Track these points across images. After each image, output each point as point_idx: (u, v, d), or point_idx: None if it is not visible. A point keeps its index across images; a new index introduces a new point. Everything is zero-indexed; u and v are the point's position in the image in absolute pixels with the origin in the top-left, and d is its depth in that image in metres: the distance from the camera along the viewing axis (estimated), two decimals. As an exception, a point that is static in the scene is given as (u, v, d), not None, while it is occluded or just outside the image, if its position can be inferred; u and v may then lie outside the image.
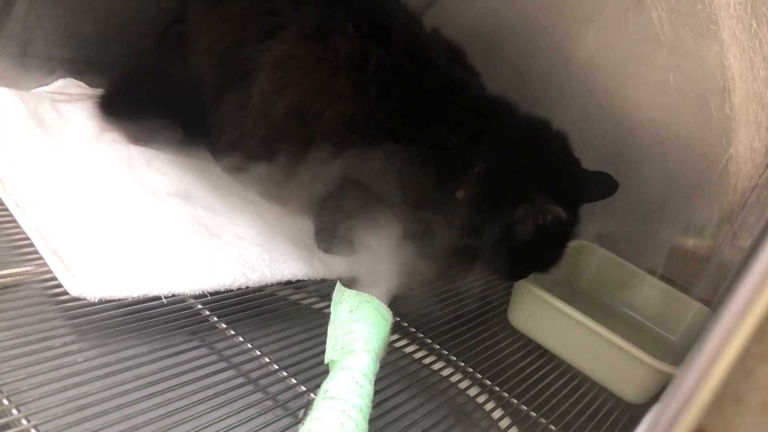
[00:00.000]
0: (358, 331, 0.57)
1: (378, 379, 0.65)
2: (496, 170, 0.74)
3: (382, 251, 0.80)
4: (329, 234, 0.82)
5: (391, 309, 0.70)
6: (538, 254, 0.77)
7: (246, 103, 0.78)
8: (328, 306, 0.75)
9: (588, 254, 0.99)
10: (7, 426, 0.47)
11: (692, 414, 0.18)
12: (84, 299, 0.60)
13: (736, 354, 0.18)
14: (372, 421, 0.60)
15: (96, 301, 0.60)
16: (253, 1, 0.81)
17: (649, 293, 0.96)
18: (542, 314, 0.83)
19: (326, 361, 0.57)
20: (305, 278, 0.77)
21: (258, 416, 0.57)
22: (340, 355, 0.55)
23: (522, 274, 0.80)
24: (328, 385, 0.53)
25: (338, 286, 0.63)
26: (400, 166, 0.75)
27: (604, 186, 0.77)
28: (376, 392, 0.63)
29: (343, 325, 0.58)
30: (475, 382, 0.73)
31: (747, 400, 0.21)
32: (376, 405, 0.62)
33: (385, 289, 0.71)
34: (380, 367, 0.67)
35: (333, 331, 0.58)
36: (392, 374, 0.69)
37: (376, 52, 0.73)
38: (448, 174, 0.74)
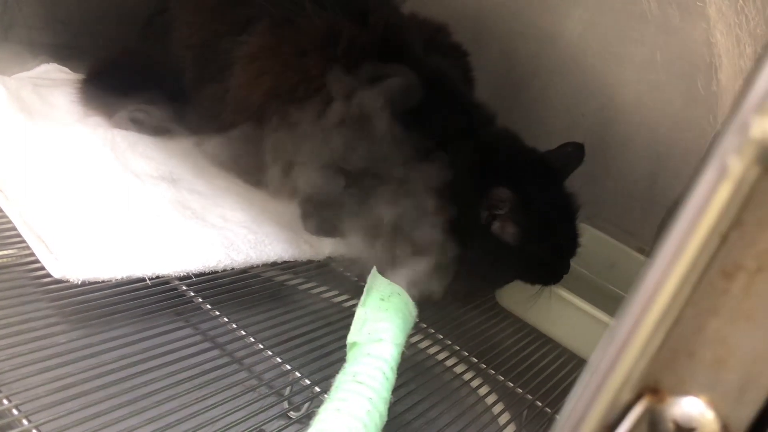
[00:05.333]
0: (389, 321, 0.56)
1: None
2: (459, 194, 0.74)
3: (368, 232, 0.80)
4: (315, 215, 0.82)
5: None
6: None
7: (223, 96, 0.79)
8: (314, 287, 0.76)
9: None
10: (-11, 406, 0.48)
11: (628, 362, 0.18)
12: (67, 281, 0.60)
13: (667, 302, 0.18)
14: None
15: (79, 283, 0.60)
16: None
17: (637, 272, 0.96)
18: (530, 294, 0.83)
19: (349, 341, 0.56)
20: (291, 259, 0.77)
21: (243, 395, 0.57)
22: (366, 340, 0.55)
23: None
24: (356, 368, 0.52)
25: (374, 271, 0.62)
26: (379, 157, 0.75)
27: (573, 154, 0.81)
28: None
29: (376, 312, 0.57)
30: (461, 359, 0.74)
31: (699, 354, 0.21)
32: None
33: (412, 285, 0.70)
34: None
35: (363, 314, 0.57)
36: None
37: (347, 32, 0.73)
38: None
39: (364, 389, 0.50)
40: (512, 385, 0.72)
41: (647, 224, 1.01)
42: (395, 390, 0.64)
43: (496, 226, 0.74)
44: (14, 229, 0.65)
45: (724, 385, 0.21)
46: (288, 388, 0.61)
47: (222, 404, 0.55)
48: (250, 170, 0.80)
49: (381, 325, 0.56)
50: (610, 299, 0.95)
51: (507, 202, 0.71)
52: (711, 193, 0.16)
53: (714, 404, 0.21)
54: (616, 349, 0.18)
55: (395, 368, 0.54)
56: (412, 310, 0.61)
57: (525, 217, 0.73)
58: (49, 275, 0.60)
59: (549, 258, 0.78)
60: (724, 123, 0.16)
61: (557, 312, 0.81)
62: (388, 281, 0.61)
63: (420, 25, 0.88)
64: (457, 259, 0.73)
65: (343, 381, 0.52)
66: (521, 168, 0.77)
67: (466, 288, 0.78)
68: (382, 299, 0.59)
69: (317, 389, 0.61)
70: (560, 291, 0.80)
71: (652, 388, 0.21)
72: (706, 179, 0.16)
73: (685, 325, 0.20)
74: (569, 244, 0.80)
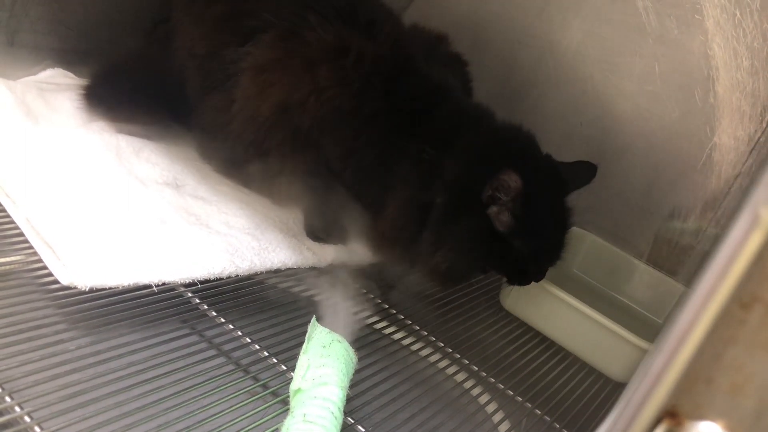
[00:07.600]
0: (332, 367, 0.57)
1: (365, 365, 0.67)
2: (466, 174, 0.73)
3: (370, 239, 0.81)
4: (319, 223, 0.82)
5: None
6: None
7: (229, 107, 0.78)
8: (318, 294, 0.76)
9: (577, 240, 1.00)
10: (0, 413, 0.48)
11: (662, 392, 0.19)
12: (75, 288, 0.60)
13: (702, 336, 0.19)
14: (360, 406, 0.62)
15: (87, 289, 0.60)
16: (231, 3, 0.81)
17: (637, 278, 0.98)
18: (536, 298, 0.84)
19: (293, 388, 0.57)
20: (295, 266, 0.78)
21: (248, 402, 0.58)
22: (311, 386, 0.56)
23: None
24: (304, 410, 0.53)
25: (313, 320, 0.63)
26: (384, 171, 0.76)
27: (584, 172, 0.81)
28: (365, 378, 0.66)
29: (317, 358, 0.58)
30: (462, 368, 0.75)
31: (717, 381, 0.22)
32: (364, 390, 0.64)
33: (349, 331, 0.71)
34: (368, 353, 0.70)
35: (306, 361, 0.58)
36: (381, 360, 0.70)
37: (356, 44, 0.74)
38: (426, 187, 0.74)
39: (314, 428, 0.52)
40: (512, 393, 0.73)
41: (643, 234, 1.02)
42: (397, 398, 0.65)
43: (492, 210, 0.72)
44: (22, 234, 0.65)
45: (741, 410, 0.22)
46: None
47: (228, 412, 0.56)
48: (257, 181, 0.81)
49: (324, 370, 0.57)
50: (610, 304, 0.96)
51: (513, 190, 0.69)
52: (744, 240, 0.17)
53: (731, 429, 0.22)
54: (648, 377, 0.19)
55: (342, 409, 0.56)
56: (352, 356, 0.62)
57: (523, 212, 0.71)
58: (56, 281, 0.60)
59: (528, 259, 0.76)
60: (755, 176, 0.17)
61: (558, 313, 0.83)
62: (328, 330, 0.62)
63: (420, 35, 0.88)
64: (446, 231, 0.73)
65: (292, 423, 0.52)
66: (534, 166, 0.76)
67: (446, 263, 0.76)
68: (324, 346, 0.60)
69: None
70: (562, 294, 0.81)
71: (671, 412, 0.22)
72: (739, 226, 0.17)
73: (703, 354, 0.21)
74: (552, 254, 0.79)
